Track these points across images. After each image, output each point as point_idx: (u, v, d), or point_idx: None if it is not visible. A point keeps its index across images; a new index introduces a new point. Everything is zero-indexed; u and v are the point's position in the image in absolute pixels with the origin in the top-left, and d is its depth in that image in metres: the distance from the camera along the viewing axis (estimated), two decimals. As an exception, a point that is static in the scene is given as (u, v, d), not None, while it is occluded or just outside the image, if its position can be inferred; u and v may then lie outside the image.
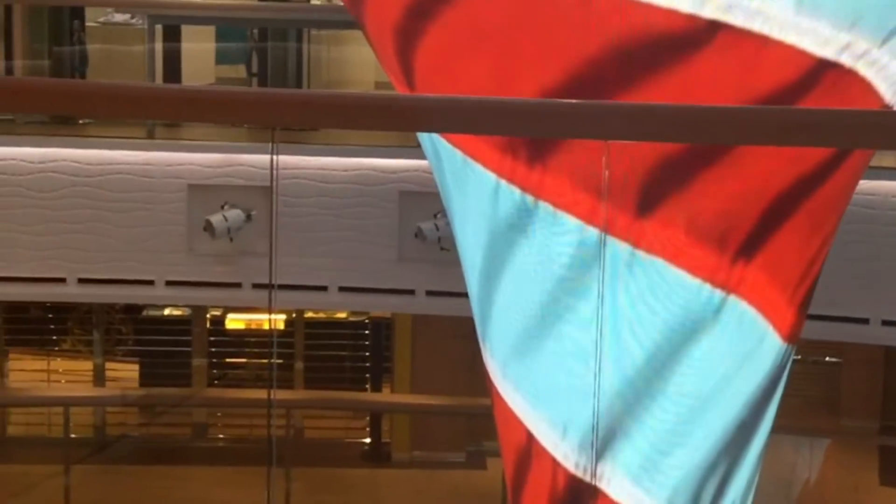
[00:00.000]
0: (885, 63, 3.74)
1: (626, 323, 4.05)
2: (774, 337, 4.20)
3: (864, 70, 3.72)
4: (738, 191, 3.90)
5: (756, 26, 3.60)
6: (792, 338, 4.27)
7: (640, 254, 3.96)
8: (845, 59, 3.69)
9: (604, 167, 2.71)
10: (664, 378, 4.15)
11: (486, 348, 4.50)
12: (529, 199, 4.04)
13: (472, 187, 4.22)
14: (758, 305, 4.10)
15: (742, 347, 4.17)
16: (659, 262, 3.98)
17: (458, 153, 4.21)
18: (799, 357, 13.56)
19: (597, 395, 3.93)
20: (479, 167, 4.16)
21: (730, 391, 4.22)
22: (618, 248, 3.98)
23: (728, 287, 4.04)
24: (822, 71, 3.69)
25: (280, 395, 12.88)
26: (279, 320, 14.20)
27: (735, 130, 2.66)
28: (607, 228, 3.82)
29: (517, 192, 4.07)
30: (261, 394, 12.94)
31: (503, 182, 4.09)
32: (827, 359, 14.01)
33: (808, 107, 3.57)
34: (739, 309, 4.08)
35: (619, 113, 2.61)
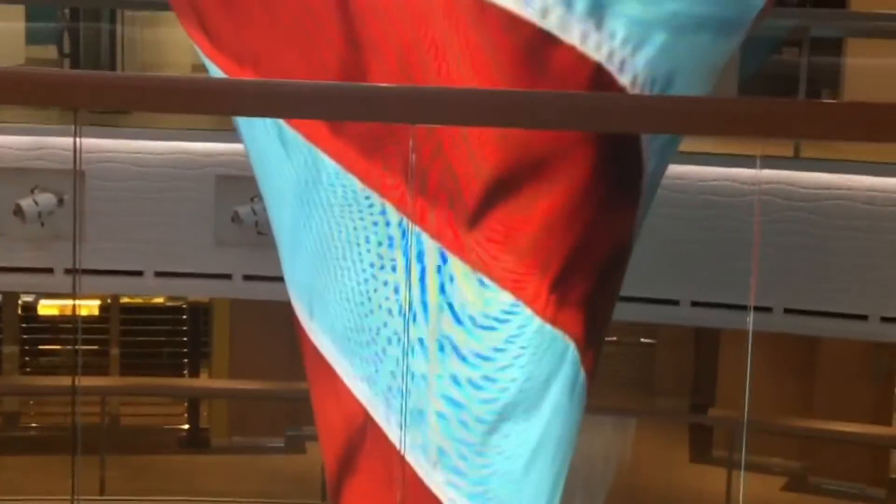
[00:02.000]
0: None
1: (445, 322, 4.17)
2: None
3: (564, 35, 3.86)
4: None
5: None
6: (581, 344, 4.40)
7: (461, 264, 4.08)
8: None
9: (410, 150, 2.74)
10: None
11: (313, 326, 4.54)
12: (357, 183, 4.11)
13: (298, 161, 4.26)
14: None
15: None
16: (478, 273, 4.11)
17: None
18: (615, 339, 13.85)
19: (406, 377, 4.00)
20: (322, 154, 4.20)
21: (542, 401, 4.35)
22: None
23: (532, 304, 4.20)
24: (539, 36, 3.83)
25: (95, 381, 12.65)
26: (94, 306, 13.96)
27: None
28: (415, 216, 3.90)
29: (347, 175, 4.14)
30: (77, 380, 12.70)
31: (338, 166, 4.15)
32: (641, 340, 14.31)
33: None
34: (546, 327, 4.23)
35: (424, 97, 2.64)
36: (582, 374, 4.47)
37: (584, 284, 4.37)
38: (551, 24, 3.89)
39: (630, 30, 3.93)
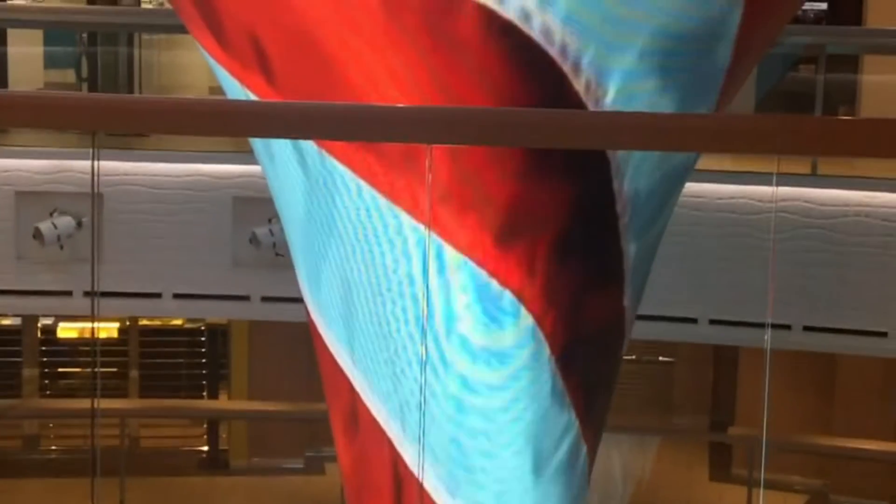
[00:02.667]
0: None
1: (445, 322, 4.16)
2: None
3: None
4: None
5: None
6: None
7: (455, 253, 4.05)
8: None
9: (427, 170, 2.74)
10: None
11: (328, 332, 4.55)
12: (376, 193, 4.10)
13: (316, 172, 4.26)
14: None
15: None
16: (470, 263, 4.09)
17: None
18: (633, 357, 13.82)
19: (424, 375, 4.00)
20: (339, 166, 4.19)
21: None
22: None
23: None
24: None
25: (114, 404, 12.67)
26: (113, 328, 13.99)
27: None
28: (432, 228, 3.89)
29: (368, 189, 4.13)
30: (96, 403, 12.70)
31: (361, 181, 4.14)
32: (660, 358, 14.29)
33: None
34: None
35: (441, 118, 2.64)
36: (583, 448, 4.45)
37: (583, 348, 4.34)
38: None
39: None
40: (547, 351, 4.23)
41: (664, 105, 3.91)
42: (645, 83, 3.87)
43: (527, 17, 3.71)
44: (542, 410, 4.28)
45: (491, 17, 3.71)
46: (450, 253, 4.08)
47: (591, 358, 4.39)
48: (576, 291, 4.22)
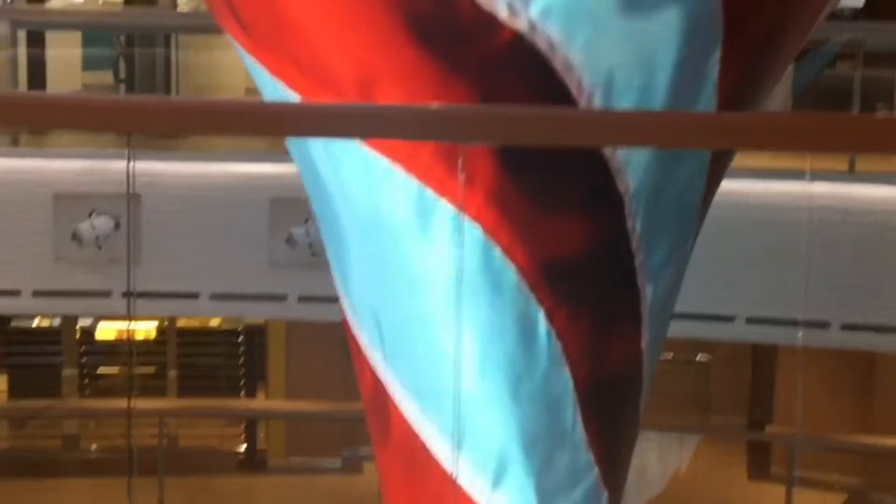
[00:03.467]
0: None
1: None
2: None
3: None
4: None
5: None
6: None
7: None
8: None
9: (460, 169, 2.75)
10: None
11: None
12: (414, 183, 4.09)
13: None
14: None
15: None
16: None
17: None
18: (671, 356, 13.79)
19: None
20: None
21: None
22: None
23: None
24: None
25: (153, 404, 12.74)
26: (151, 329, 14.06)
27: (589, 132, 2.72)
28: (464, 219, 3.88)
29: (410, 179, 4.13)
30: (135, 403, 12.79)
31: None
32: (697, 357, 14.25)
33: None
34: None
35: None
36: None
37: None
38: None
39: None
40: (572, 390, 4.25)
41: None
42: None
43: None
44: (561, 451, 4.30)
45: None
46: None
47: (609, 402, 4.38)
48: (594, 332, 4.22)
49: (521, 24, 3.69)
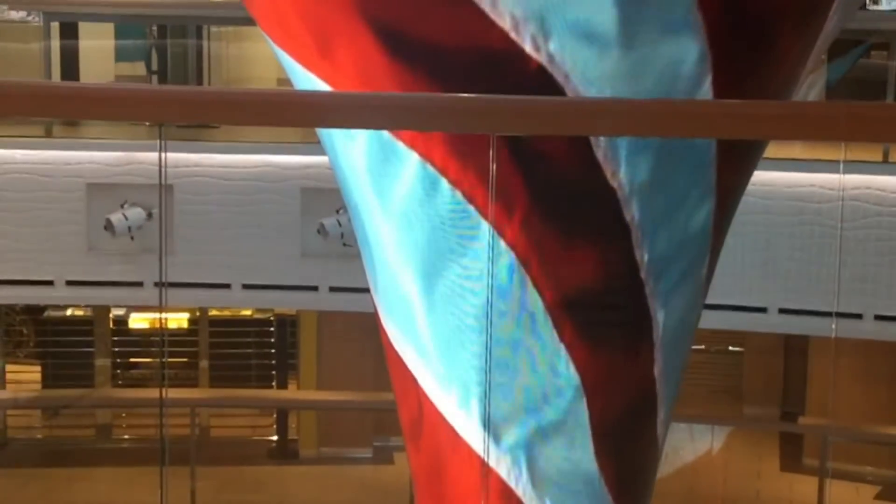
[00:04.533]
0: None
1: None
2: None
3: None
4: None
5: None
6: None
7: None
8: None
9: (491, 161, 2.74)
10: None
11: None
12: (444, 183, 4.14)
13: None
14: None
15: None
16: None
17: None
18: (703, 347, 13.72)
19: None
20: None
21: None
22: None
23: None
24: None
25: (185, 393, 12.79)
26: (183, 319, 14.11)
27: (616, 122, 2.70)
28: (496, 224, 3.93)
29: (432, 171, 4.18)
30: (165, 393, 12.83)
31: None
32: (730, 348, 14.21)
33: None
34: None
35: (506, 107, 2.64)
36: None
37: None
38: None
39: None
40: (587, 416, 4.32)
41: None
42: None
43: None
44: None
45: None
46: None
47: (622, 432, 4.43)
48: (609, 361, 4.29)
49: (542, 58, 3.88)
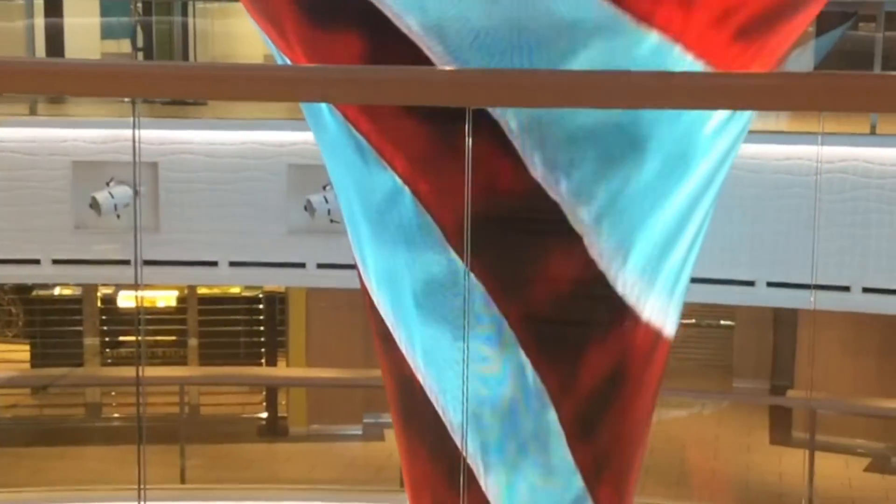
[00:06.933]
0: None
1: None
2: None
3: None
4: None
5: None
6: None
7: None
8: None
9: (467, 134, 2.72)
10: None
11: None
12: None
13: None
14: None
15: None
16: None
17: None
18: (693, 321, 13.71)
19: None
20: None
21: None
22: None
23: None
24: None
25: (174, 371, 12.77)
26: (171, 297, 14.08)
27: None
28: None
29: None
30: (155, 371, 12.83)
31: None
32: (721, 322, 14.22)
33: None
34: None
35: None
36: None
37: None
38: None
39: None
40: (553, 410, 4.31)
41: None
42: None
43: None
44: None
45: None
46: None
47: (593, 417, 4.42)
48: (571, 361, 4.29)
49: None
